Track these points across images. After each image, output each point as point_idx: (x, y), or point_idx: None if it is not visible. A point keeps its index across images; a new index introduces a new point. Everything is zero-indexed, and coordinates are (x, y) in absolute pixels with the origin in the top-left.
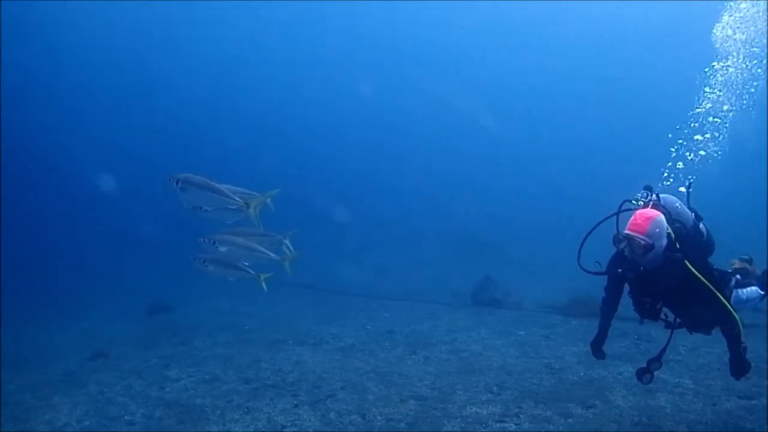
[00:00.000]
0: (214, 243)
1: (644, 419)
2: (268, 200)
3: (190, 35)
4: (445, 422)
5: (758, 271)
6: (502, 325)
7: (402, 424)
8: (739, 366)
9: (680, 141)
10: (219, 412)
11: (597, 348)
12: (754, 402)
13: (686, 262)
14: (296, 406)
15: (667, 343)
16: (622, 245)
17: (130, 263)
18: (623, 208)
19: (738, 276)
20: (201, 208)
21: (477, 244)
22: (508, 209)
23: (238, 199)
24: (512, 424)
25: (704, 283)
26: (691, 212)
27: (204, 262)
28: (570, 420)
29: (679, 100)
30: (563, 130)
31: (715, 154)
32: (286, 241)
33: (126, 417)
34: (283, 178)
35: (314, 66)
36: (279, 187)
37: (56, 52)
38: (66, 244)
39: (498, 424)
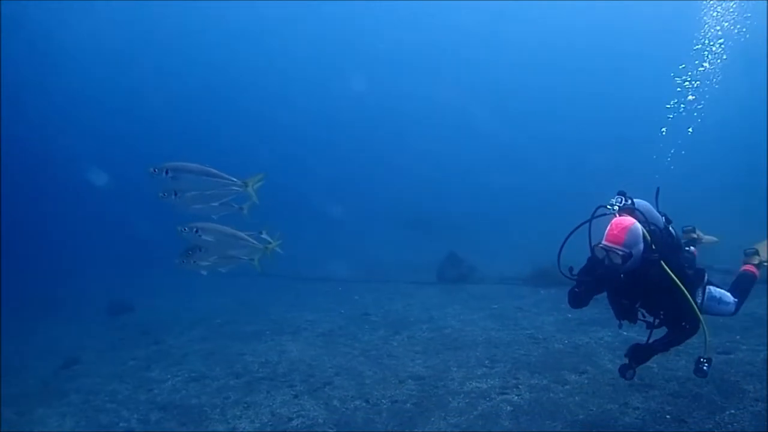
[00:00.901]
0: (196, 231)
1: (636, 380)
2: (254, 188)
3: (186, 33)
4: (450, 399)
5: (704, 237)
6: (473, 299)
7: (408, 404)
8: (644, 355)
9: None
10: (218, 410)
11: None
12: (732, 356)
13: (662, 262)
14: (295, 396)
15: (647, 341)
16: (602, 255)
17: (82, 263)
18: (598, 213)
19: (692, 248)
20: (189, 203)
21: (431, 222)
22: (458, 186)
23: (236, 180)
24: (514, 395)
25: (676, 283)
26: (662, 216)
27: (194, 261)
28: (567, 386)
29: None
30: (527, 107)
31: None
32: (264, 235)
33: (121, 424)
34: (279, 174)
35: (307, 64)
36: (273, 183)
37: (52, 51)
38: (15, 243)
39: (501, 396)
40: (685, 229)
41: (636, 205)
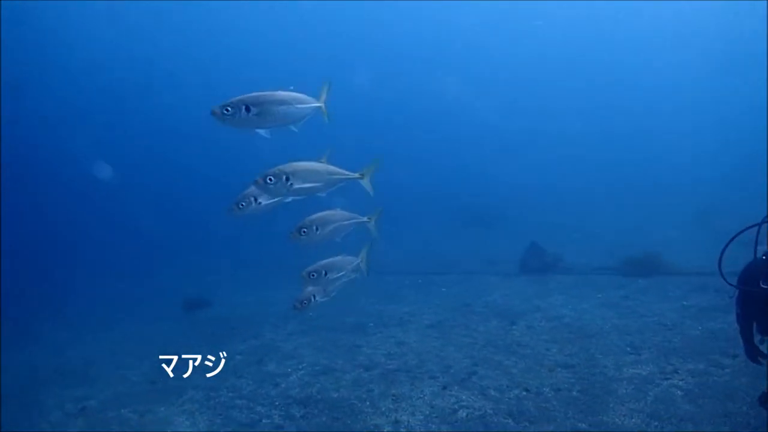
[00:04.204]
0: (287, 179)
1: None
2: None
3: (190, 31)
4: (615, 386)
5: None
6: (571, 289)
7: (574, 392)
8: None
9: None
10: (368, 403)
11: (753, 355)
12: None
13: None
14: (444, 387)
15: None
16: None
17: (141, 260)
18: None
19: None
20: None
21: (488, 214)
22: (521, 177)
23: (313, 100)
24: (678, 380)
25: None
26: None
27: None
28: (727, 370)
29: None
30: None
31: None
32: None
33: (264, 421)
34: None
35: (310, 61)
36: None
37: (56, 48)
38: (67, 242)
39: (666, 381)
40: None
41: None
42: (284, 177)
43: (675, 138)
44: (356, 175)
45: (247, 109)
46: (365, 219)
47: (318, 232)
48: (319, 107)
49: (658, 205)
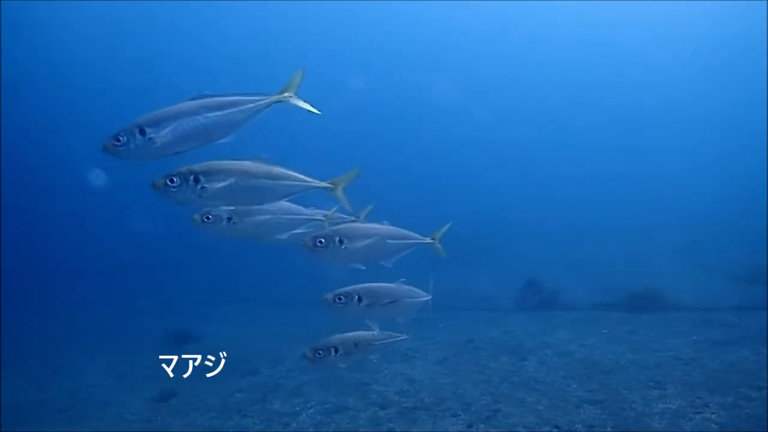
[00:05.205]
0: (196, 181)
1: None
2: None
3: (186, 32)
4: (648, 420)
5: None
6: (576, 324)
7: (608, 428)
8: None
9: None
10: None
11: None
12: None
13: None
14: (470, 426)
15: None
16: None
17: (125, 280)
18: None
19: None
20: None
21: (474, 249)
22: (505, 211)
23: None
24: (710, 413)
25: None
26: None
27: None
28: (755, 402)
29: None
30: (560, 130)
31: None
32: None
33: None
34: None
35: (310, 63)
36: None
37: (52, 51)
38: (51, 257)
39: (698, 415)
40: None
41: None
42: (192, 178)
43: (666, 167)
44: (324, 183)
45: (142, 133)
46: (428, 240)
47: (343, 248)
48: (282, 100)
49: (648, 240)
